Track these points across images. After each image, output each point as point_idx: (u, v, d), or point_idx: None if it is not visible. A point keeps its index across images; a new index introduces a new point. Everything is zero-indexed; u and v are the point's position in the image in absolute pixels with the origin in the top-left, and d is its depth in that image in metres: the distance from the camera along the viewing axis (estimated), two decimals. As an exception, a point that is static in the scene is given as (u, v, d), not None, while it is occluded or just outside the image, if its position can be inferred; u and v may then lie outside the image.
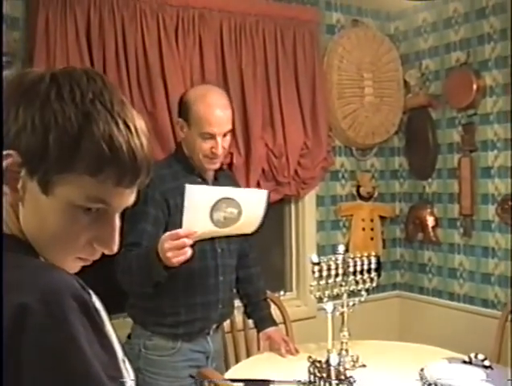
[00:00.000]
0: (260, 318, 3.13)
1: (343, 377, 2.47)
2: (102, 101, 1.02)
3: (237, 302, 3.19)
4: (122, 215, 1.14)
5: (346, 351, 2.85)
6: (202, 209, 2.47)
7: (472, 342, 3.18)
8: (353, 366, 2.78)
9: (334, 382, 2.45)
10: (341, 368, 2.52)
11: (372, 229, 4.46)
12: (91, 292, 1.01)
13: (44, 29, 3.11)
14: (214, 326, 2.93)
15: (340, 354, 2.74)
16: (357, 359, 2.82)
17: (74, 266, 1.11)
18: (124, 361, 1.09)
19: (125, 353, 1.13)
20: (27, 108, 1.00)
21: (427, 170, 4.38)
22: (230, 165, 3.60)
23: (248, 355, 3.40)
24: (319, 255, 2.95)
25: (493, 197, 3.91)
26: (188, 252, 2.40)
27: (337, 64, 4.18)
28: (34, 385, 0.89)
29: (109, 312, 1.07)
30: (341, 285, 2.89)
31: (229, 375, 2.74)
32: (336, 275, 2.86)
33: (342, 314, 2.90)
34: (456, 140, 4.13)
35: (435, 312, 4.31)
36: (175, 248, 2.37)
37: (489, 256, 3.96)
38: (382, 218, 4.55)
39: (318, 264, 2.82)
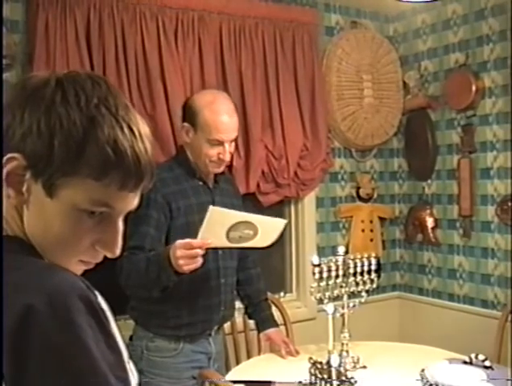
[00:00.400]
0: (261, 318, 3.14)
1: (344, 378, 2.47)
2: (107, 106, 1.03)
3: (238, 304, 3.20)
4: (125, 219, 1.15)
5: (347, 352, 2.86)
6: (220, 228, 2.52)
7: (473, 342, 3.19)
8: (354, 367, 2.78)
9: (335, 383, 2.46)
10: (342, 369, 2.53)
11: (371, 230, 4.46)
12: (96, 292, 1.01)
13: (44, 32, 3.11)
14: (216, 328, 2.94)
15: (340, 355, 2.75)
16: (358, 360, 2.82)
17: (76, 269, 1.12)
18: (129, 362, 1.10)
19: (130, 355, 1.14)
20: (33, 111, 1.01)
21: (426, 172, 4.38)
22: (230, 167, 3.60)
23: (248, 356, 3.40)
24: (319, 256, 2.96)
25: (492, 198, 3.91)
26: (200, 261, 2.45)
27: (336, 66, 4.19)
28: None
29: (114, 312, 1.07)
30: (341, 287, 2.90)
31: (230, 376, 2.74)
32: (337, 276, 2.87)
33: (342, 315, 2.90)
34: (456, 141, 4.14)
35: (435, 313, 4.31)
36: (188, 257, 2.41)
37: (488, 256, 3.97)
38: (382, 219, 4.56)
39: (318, 265, 2.83)
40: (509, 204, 3.77)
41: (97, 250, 1.10)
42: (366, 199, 4.46)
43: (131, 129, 1.04)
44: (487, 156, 3.94)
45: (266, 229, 2.62)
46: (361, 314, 3.01)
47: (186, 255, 2.42)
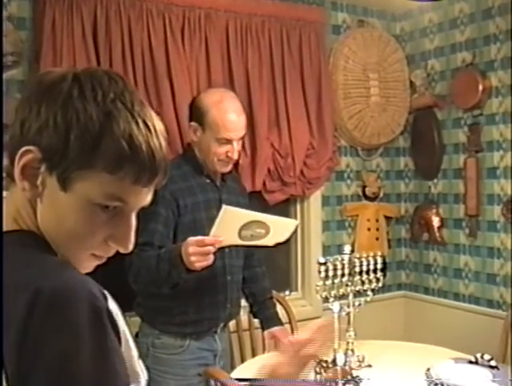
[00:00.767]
0: (265, 316, 3.14)
1: (349, 377, 2.47)
2: (123, 101, 1.04)
3: (243, 302, 3.20)
4: (138, 216, 1.15)
5: (352, 350, 2.85)
6: (233, 227, 2.53)
7: (478, 342, 3.18)
8: (359, 366, 2.77)
9: (340, 382, 2.45)
10: (347, 368, 2.52)
11: (377, 229, 4.46)
12: (106, 293, 1.01)
13: (51, 29, 3.11)
14: (222, 325, 2.94)
15: (346, 354, 2.74)
16: (363, 358, 2.81)
17: (89, 265, 1.13)
18: (139, 361, 1.10)
19: (140, 353, 1.14)
20: (50, 105, 1.02)
21: (432, 171, 4.37)
22: (236, 165, 3.60)
23: (253, 354, 3.40)
24: (324, 255, 2.96)
25: (498, 197, 3.91)
26: (211, 258, 2.46)
27: (343, 65, 4.19)
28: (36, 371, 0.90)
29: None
30: (347, 285, 2.89)
31: (235, 374, 2.74)
32: (342, 275, 2.86)
33: (348, 313, 2.90)
34: (462, 140, 4.13)
35: (440, 312, 4.30)
36: (200, 254, 2.41)
37: (494, 256, 3.96)
38: (388, 218, 4.55)
39: (324, 264, 2.83)
40: (516, 204, 3.77)
41: (110, 245, 1.10)
42: (372, 198, 4.46)
43: (146, 125, 1.05)
44: (493, 155, 3.93)
45: (278, 229, 2.63)
46: (366, 312, 3.00)
47: (198, 252, 2.43)
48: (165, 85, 3.41)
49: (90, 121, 1.01)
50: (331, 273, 2.83)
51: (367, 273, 2.94)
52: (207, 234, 2.49)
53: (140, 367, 1.10)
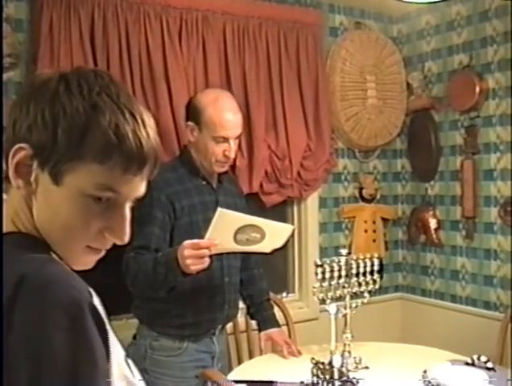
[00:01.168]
0: (263, 318, 3.14)
1: (346, 379, 2.48)
2: (109, 94, 1.07)
3: (240, 304, 3.20)
4: (133, 217, 1.16)
5: (349, 352, 2.86)
6: (228, 230, 2.52)
7: (475, 344, 3.19)
8: (356, 367, 2.78)
9: (337, 383, 2.46)
10: (344, 370, 2.53)
11: (374, 231, 4.46)
12: (91, 291, 1.02)
13: (48, 31, 3.12)
14: (220, 327, 2.95)
15: (342, 355, 2.75)
16: (360, 360, 2.82)
17: (88, 259, 1.14)
18: (127, 360, 1.11)
19: (128, 353, 1.14)
20: (37, 103, 1.05)
21: (429, 173, 4.38)
22: (233, 167, 3.60)
23: (250, 356, 3.41)
24: (321, 257, 2.96)
25: (495, 199, 3.91)
26: (207, 261, 2.46)
27: (340, 67, 4.19)
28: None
29: (114, 313, 1.07)
30: (344, 287, 2.90)
31: (232, 376, 2.75)
32: (339, 277, 2.87)
33: (345, 315, 2.90)
34: (459, 142, 4.14)
35: (437, 314, 4.31)
36: (195, 257, 2.42)
37: (491, 258, 3.97)
38: (385, 220, 4.56)
39: (321, 266, 2.83)
40: (513, 206, 3.77)
41: (106, 237, 1.11)
42: (369, 200, 4.46)
43: (133, 116, 1.07)
44: (490, 157, 3.94)
45: (274, 234, 2.63)
46: (363, 314, 3.01)
47: (194, 255, 2.43)
48: (162, 87, 3.41)
49: (76, 113, 1.03)
50: (328, 275, 2.83)
51: (364, 274, 2.95)
52: (204, 236, 2.49)
53: (128, 366, 1.10)
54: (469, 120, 4.05)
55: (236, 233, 2.53)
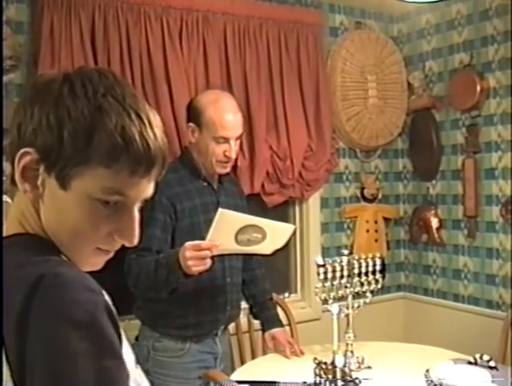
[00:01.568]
0: (266, 318, 3.14)
1: (348, 378, 2.48)
2: (114, 95, 1.05)
3: (242, 304, 3.20)
4: (141, 210, 1.15)
5: (351, 352, 2.85)
6: (229, 230, 2.53)
7: (477, 343, 3.19)
8: (359, 367, 2.78)
9: (340, 383, 2.46)
10: (347, 370, 2.53)
11: (376, 231, 4.46)
12: (104, 292, 1.01)
13: (49, 33, 3.12)
14: (222, 328, 2.95)
15: (345, 355, 2.74)
16: (363, 360, 2.82)
17: (97, 260, 1.13)
18: (137, 365, 1.11)
19: (137, 358, 1.14)
20: (42, 106, 1.03)
21: (431, 172, 4.38)
22: (235, 167, 3.60)
23: (253, 356, 3.40)
24: (323, 257, 2.96)
25: (497, 198, 3.91)
26: (209, 263, 2.47)
27: (341, 67, 4.19)
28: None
29: (117, 314, 1.07)
30: (346, 287, 2.90)
31: (234, 376, 2.74)
32: (341, 277, 2.87)
33: (347, 315, 2.90)
34: (460, 141, 4.14)
35: (439, 313, 4.31)
36: (196, 259, 2.42)
37: (493, 257, 3.96)
38: (387, 219, 4.56)
39: (323, 266, 2.83)
40: (514, 204, 3.77)
41: (115, 239, 1.10)
42: (371, 200, 4.46)
43: (139, 116, 1.05)
44: (492, 156, 3.94)
45: (275, 234, 2.63)
46: (365, 314, 3.01)
47: (195, 256, 2.44)
48: (163, 88, 3.41)
49: (81, 116, 1.01)
50: (330, 275, 2.83)
51: (366, 274, 2.95)
52: (205, 237, 2.50)
53: (139, 373, 1.10)
54: (470, 119, 4.05)
55: (237, 234, 2.53)
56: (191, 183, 2.84)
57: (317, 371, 2.56)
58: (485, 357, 2.63)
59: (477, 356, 2.65)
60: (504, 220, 3.85)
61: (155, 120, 1.09)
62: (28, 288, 0.92)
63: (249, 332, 3.48)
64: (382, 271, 3.00)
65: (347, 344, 2.87)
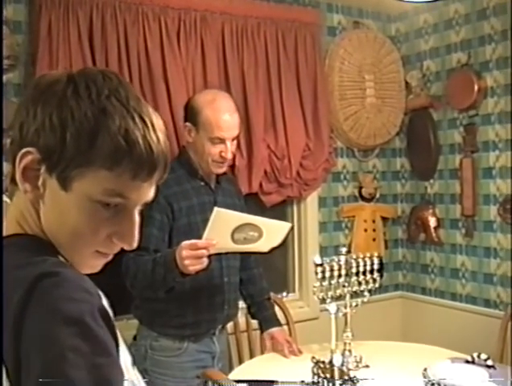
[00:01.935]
0: (264, 317, 3.14)
1: (346, 377, 2.48)
2: (118, 97, 1.04)
3: (240, 303, 3.20)
4: (141, 213, 1.15)
5: (349, 351, 2.86)
6: (225, 229, 2.53)
7: (475, 342, 3.19)
8: (357, 366, 2.78)
9: (338, 382, 2.46)
10: (345, 369, 2.53)
11: (374, 230, 4.46)
12: (101, 293, 1.01)
13: (47, 32, 3.12)
14: (220, 327, 2.95)
15: (343, 354, 2.75)
16: (361, 359, 2.82)
17: (95, 263, 1.13)
18: (133, 366, 1.10)
19: (134, 359, 1.14)
20: (45, 106, 1.03)
21: (428, 171, 4.38)
22: (232, 167, 3.60)
23: (251, 356, 3.41)
24: (321, 256, 2.96)
25: (494, 197, 3.92)
26: (205, 262, 2.47)
27: (339, 66, 4.20)
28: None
29: (115, 313, 1.07)
30: (344, 286, 2.90)
31: (232, 376, 2.75)
32: (339, 276, 2.87)
33: (345, 314, 2.91)
34: (458, 141, 4.14)
35: (437, 312, 4.31)
36: (193, 258, 2.42)
37: (491, 256, 3.97)
38: (384, 219, 4.56)
39: (321, 265, 2.83)
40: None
41: (114, 242, 1.10)
42: (369, 199, 4.47)
43: (143, 120, 1.05)
44: (489, 155, 3.94)
45: (271, 232, 2.63)
46: (363, 313, 3.01)
47: (191, 255, 2.44)
48: (161, 88, 3.41)
49: (85, 117, 1.01)
50: (328, 274, 2.84)
51: (364, 273, 2.95)
52: (202, 237, 2.50)
53: (136, 375, 1.10)
54: (468, 118, 4.05)
55: (233, 232, 2.53)
56: (188, 183, 2.85)
57: (315, 370, 2.56)
58: (483, 356, 2.64)
59: (475, 355, 2.65)
60: (502, 219, 3.86)
61: (158, 123, 1.09)
62: (26, 288, 0.92)
63: (247, 331, 3.48)
64: (380, 270, 3.00)
65: (345, 343, 2.87)
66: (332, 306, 2.74)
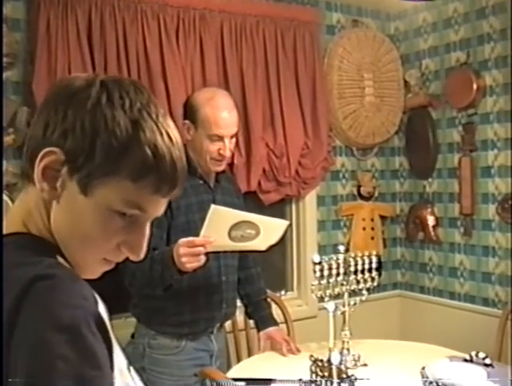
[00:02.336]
0: (261, 317, 3.14)
1: (344, 376, 2.48)
2: (149, 112, 1.05)
3: (239, 302, 3.20)
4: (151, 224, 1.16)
5: (348, 350, 2.86)
6: (222, 227, 2.53)
7: (473, 340, 3.20)
8: (355, 365, 2.78)
9: (336, 381, 2.46)
10: (343, 367, 2.52)
11: (372, 229, 4.47)
12: (97, 297, 1.01)
13: (46, 30, 3.12)
14: (218, 325, 2.94)
15: (341, 353, 2.74)
16: (359, 358, 2.82)
17: (98, 269, 1.14)
18: (129, 369, 1.10)
19: (130, 361, 1.13)
20: (77, 109, 1.03)
21: (427, 170, 4.39)
22: (231, 165, 3.60)
23: (249, 354, 3.41)
24: (320, 254, 2.96)
25: (493, 196, 3.92)
26: (203, 259, 2.47)
27: (338, 65, 4.20)
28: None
29: (113, 312, 1.07)
30: (342, 285, 2.90)
31: (231, 374, 2.75)
32: (338, 274, 2.87)
33: (343, 313, 2.91)
34: (457, 139, 4.14)
35: (435, 311, 4.32)
36: (190, 255, 2.42)
37: (489, 255, 3.97)
38: (383, 217, 4.56)
39: (319, 263, 2.83)
40: (510, 203, 3.78)
41: (122, 251, 1.12)
42: (367, 198, 4.47)
43: (169, 136, 1.06)
44: (488, 154, 3.94)
45: (268, 229, 2.63)
46: (361, 312, 3.01)
47: (189, 253, 2.44)
48: (160, 86, 3.41)
49: (118, 127, 1.02)
50: (326, 273, 2.84)
51: (362, 272, 2.95)
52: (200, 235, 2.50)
53: (131, 375, 1.10)
54: (467, 117, 4.06)
55: (230, 230, 2.53)
56: (187, 181, 2.81)
57: (313, 368, 2.56)
58: (481, 354, 2.64)
59: (473, 354, 2.65)
60: (500, 218, 3.86)
61: (179, 140, 1.10)
62: (20, 289, 0.92)
63: (245, 330, 3.48)
64: (378, 269, 3.00)
65: (343, 342, 2.87)
66: (330, 305, 2.73)
